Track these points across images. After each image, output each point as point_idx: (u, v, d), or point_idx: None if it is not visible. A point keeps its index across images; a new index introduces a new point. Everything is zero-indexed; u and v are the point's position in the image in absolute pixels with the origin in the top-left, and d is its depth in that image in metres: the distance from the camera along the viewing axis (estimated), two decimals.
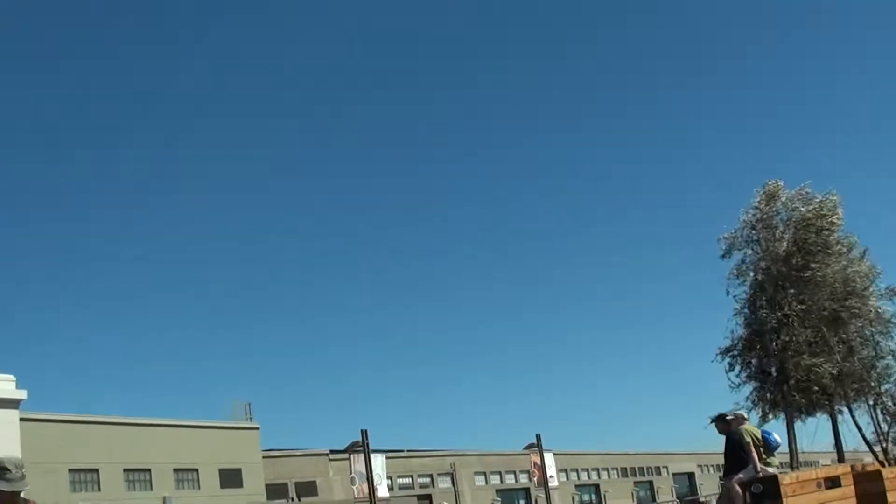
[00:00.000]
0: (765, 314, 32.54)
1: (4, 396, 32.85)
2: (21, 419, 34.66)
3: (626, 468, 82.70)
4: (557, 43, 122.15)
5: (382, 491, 36.04)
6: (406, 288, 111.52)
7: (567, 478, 71.17)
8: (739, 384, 33.46)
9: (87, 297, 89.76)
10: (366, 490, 34.73)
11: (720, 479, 11.87)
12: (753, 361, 33.44)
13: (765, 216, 33.50)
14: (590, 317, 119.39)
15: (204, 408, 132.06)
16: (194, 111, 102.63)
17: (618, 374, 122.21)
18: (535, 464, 44.79)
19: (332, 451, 59.30)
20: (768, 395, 33.03)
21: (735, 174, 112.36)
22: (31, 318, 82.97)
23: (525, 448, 45.72)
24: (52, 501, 39.09)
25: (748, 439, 11.46)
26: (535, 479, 45.40)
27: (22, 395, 33.83)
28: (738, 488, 11.12)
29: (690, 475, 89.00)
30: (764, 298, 32.85)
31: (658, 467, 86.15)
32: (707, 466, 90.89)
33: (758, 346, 33.11)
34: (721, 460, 12.16)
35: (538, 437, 44.69)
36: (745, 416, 12.49)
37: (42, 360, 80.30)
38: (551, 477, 45.58)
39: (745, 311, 33.46)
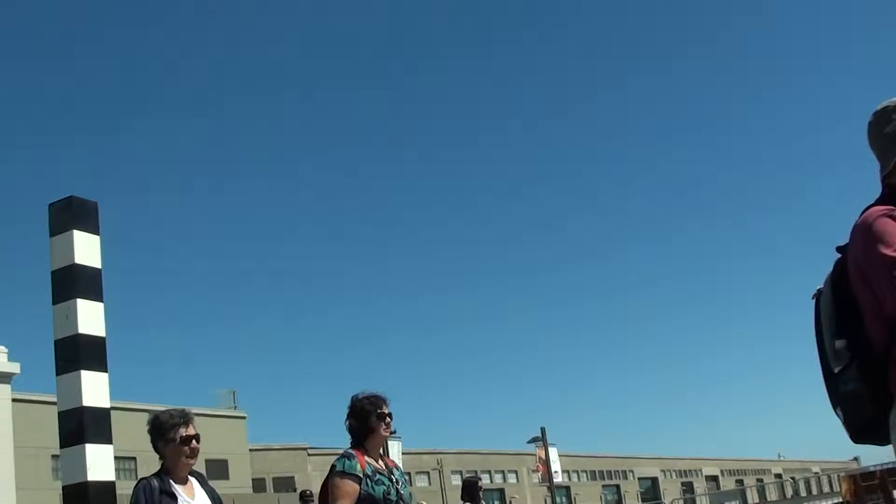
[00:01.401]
0: None
1: None
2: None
3: (594, 471, 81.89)
4: None
5: None
6: (401, 283, 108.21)
7: (540, 480, 69.94)
8: None
9: None
10: None
11: None
12: None
13: None
14: (585, 316, 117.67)
15: (185, 394, 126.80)
16: (194, 105, 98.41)
17: (606, 374, 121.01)
18: (540, 458, 43.37)
19: (312, 447, 57.29)
20: None
21: None
22: (25, 304, 78.26)
23: (529, 442, 44.28)
24: (33, 488, 36.29)
25: None
26: (540, 474, 43.99)
27: (15, 368, 30.71)
28: None
29: (654, 480, 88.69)
30: None
31: (625, 471, 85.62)
32: (670, 472, 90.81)
33: None
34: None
35: (542, 430, 43.27)
36: None
37: (29, 345, 76.02)
38: (556, 472, 44.28)
39: None
